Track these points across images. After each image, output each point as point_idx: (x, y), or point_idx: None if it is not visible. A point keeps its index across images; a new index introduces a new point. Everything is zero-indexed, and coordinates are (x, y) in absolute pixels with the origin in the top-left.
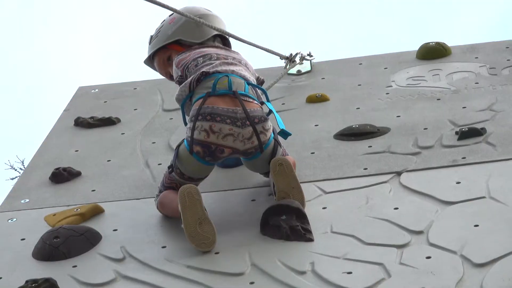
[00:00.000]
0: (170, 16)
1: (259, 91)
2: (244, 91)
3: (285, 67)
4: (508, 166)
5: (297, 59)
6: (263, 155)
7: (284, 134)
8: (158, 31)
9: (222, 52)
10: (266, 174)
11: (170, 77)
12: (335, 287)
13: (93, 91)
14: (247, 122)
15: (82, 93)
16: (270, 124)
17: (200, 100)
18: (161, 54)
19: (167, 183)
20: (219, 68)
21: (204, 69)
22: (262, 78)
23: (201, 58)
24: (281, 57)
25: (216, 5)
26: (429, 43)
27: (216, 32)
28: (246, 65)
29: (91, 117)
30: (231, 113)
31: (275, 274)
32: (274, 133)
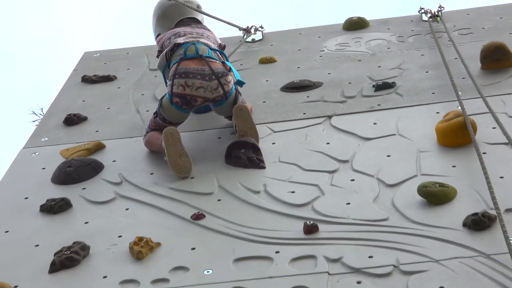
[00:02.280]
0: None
1: (219, 54)
2: (208, 54)
3: (243, 36)
4: (412, 111)
5: (252, 30)
6: (227, 101)
7: (240, 83)
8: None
9: (188, 29)
10: (229, 117)
11: None
12: (282, 203)
13: (95, 55)
14: (213, 77)
15: (87, 57)
16: (231, 77)
17: (176, 64)
18: None
19: (153, 126)
20: (187, 40)
21: (176, 41)
22: (223, 44)
23: (173, 36)
24: (240, 28)
25: None
26: (352, 17)
27: (182, 17)
28: (208, 37)
29: (94, 75)
30: (200, 71)
31: (236, 193)
32: (235, 85)
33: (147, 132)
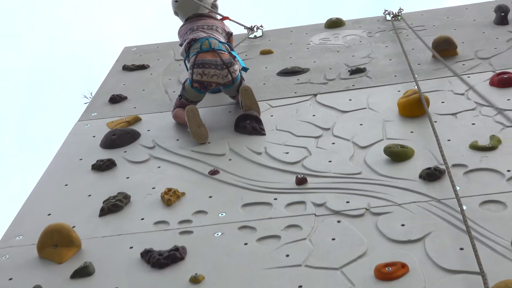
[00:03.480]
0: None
1: (227, 46)
2: (219, 47)
3: (248, 33)
4: (379, 90)
5: (255, 29)
6: (234, 85)
7: (244, 69)
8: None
9: (200, 23)
10: (232, 97)
11: None
12: (278, 161)
13: (133, 49)
14: (224, 66)
15: (126, 50)
16: (237, 66)
17: (195, 56)
18: None
19: (178, 104)
20: (201, 35)
21: (192, 37)
22: (231, 31)
23: (189, 31)
24: (245, 27)
25: None
26: (332, 18)
27: (190, 14)
28: (217, 29)
29: (132, 64)
30: (213, 62)
31: (243, 154)
32: (240, 73)
33: (174, 108)
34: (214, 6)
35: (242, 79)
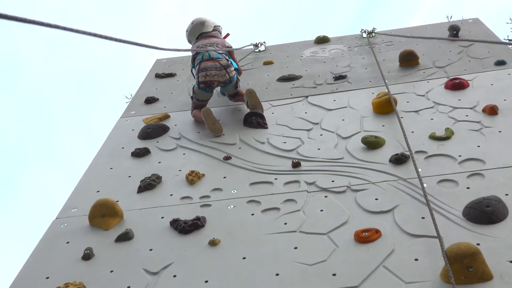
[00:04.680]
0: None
1: (225, 55)
2: (217, 56)
3: (253, 48)
4: (357, 92)
5: (259, 45)
6: (231, 83)
7: (236, 69)
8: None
9: (205, 41)
10: (230, 96)
11: None
12: (278, 149)
13: (163, 61)
14: (222, 68)
15: (158, 62)
16: (233, 68)
17: (198, 65)
18: None
19: (193, 106)
20: (202, 50)
21: (196, 51)
22: (230, 46)
23: (196, 47)
24: (251, 44)
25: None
26: (320, 35)
27: (197, 34)
28: (217, 45)
29: (162, 73)
30: (213, 66)
31: (250, 143)
32: (237, 75)
33: (192, 110)
34: (217, 29)
35: (238, 80)
